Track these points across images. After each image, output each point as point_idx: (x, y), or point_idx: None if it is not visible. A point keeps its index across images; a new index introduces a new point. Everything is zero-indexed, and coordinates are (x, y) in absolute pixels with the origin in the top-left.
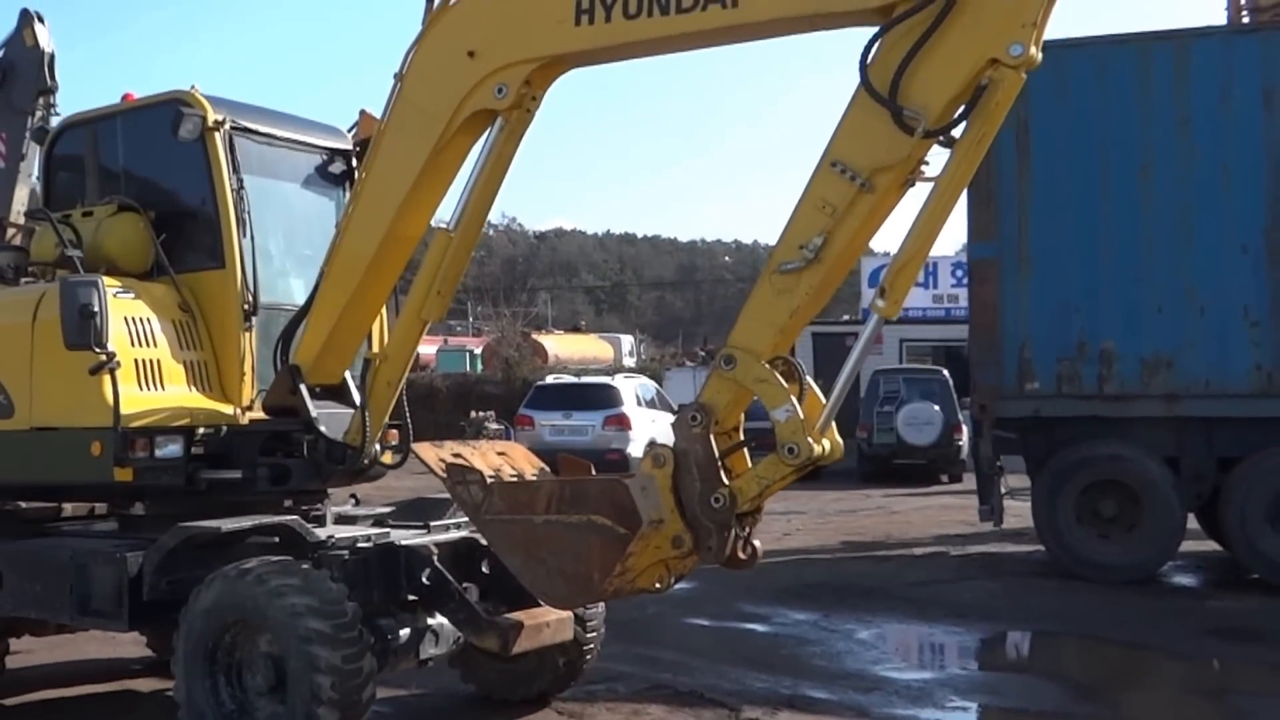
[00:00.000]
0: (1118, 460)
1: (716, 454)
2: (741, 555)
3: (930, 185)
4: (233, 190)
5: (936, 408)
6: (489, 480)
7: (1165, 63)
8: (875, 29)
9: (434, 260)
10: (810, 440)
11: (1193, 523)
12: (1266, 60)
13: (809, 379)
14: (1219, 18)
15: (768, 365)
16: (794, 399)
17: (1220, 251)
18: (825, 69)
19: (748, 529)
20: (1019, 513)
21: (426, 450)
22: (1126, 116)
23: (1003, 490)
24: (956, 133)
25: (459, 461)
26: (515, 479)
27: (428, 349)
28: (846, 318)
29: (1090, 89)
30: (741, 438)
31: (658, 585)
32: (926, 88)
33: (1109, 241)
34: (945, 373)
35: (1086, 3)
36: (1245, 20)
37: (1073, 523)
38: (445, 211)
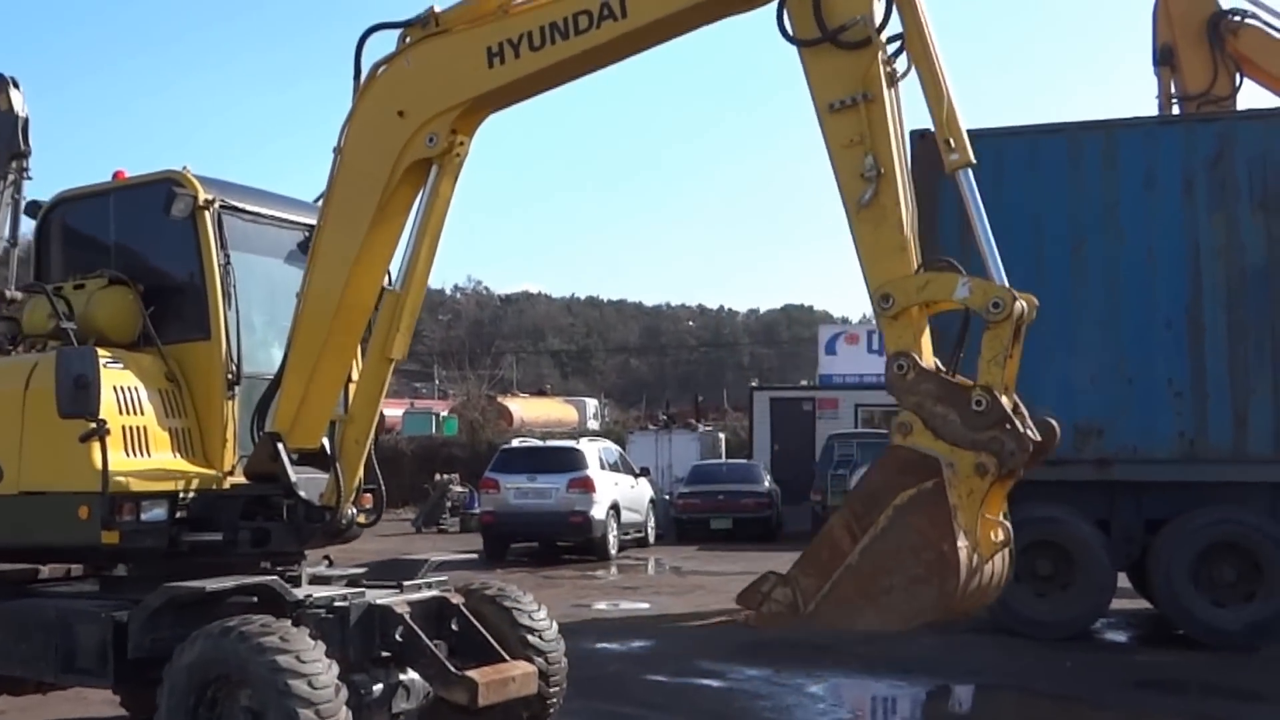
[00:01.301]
0: (1053, 522)
1: (940, 379)
2: (1040, 436)
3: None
4: (220, 265)
5: None
6: (778, 574)
7: (1095, 151)
8: (755, 9)
9: (386, 315)
10: (1005, 288)
11: (1124, 581)
12: (1187, 150)
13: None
14: (1151, 106)
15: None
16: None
17: (1147, 327)
18: (780, 146)
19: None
20: None
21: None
22: (1059, 200)
23: None
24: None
25: (747, 589)
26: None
27: (394, 412)
28: (805, 383)
29: (1026, 174)
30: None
31: (1000, 538)
32: (844, 4)
33: (1045, 315)
34: None
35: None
36: (1175, 110)
37: (1011, 581)
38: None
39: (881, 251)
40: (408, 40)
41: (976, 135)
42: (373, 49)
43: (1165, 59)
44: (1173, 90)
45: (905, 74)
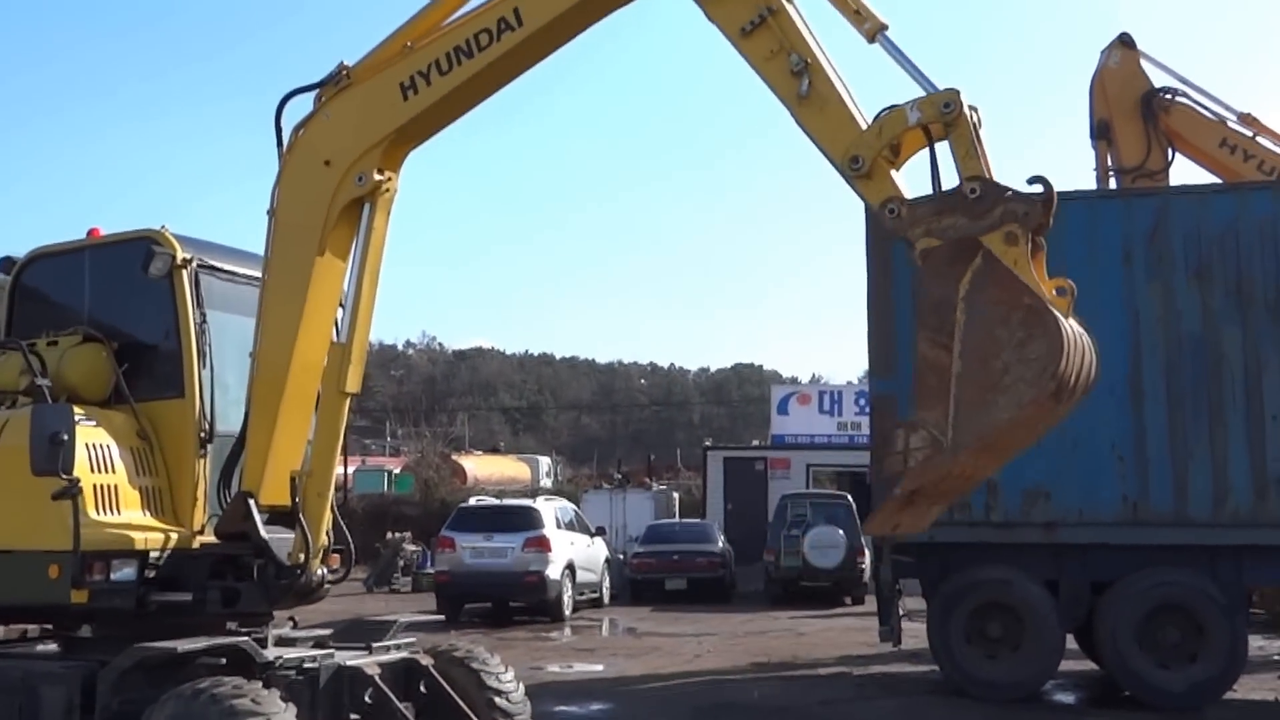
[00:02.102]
0: (1003, 584)
1: (929, 196)
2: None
3: None
4: (196, 325)
5: (841, 532)
6: (903, 424)
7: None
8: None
9: (334, 363)
10: (947, 89)
11: (1073, 643)
12: (1126, 222)
13: None
14: (1088, 178)
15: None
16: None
17: (1091, 393)
18: (729, 205)
19: None
20: (916, 634)
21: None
22: None
23: (901, 612)
24: None
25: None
26: None
27: (345, 469)
28: (756, 443)
29: None
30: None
31: (1064, 296)
32: None
33: None
34: (849, 498)
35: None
36: (1111, 182)
37: (963, 643)
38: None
39: (833, 127)
40: (323, 98)
41: None
42: (292, 114)
43: (1102, 133)
44: (1109, 163)
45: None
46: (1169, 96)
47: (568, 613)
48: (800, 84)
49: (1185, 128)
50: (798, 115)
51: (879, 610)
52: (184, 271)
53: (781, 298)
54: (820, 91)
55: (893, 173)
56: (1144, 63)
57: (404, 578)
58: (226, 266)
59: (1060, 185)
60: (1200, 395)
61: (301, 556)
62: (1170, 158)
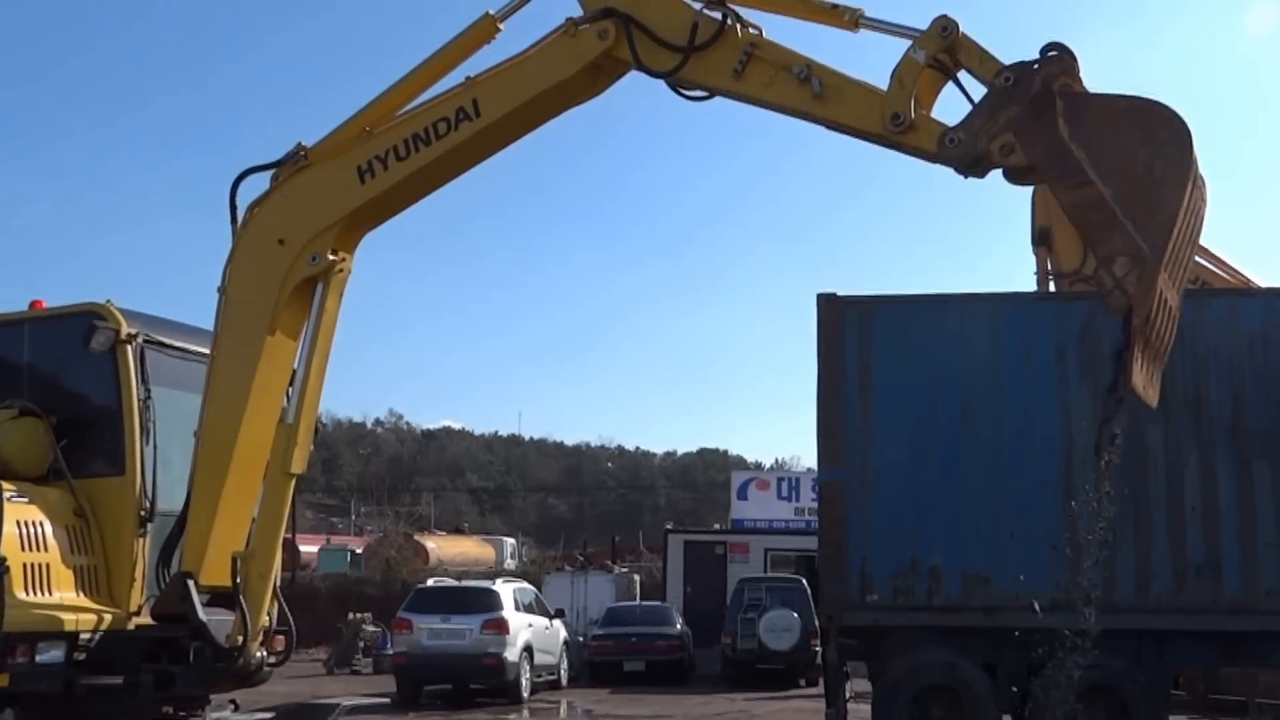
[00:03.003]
0: (944, 667)
1: (975, 107)
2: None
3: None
4: (140, 401)
5: (795, 615)
6: (1101, 272)
7: (981, 321)
8: (597, 96)
9: (280, 443)
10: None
11: None
12: (1060, 324)
13: None
14: (1031, 283)
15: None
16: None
17: (1026, 484)
18: (699, 293)
19: None
20: (863, 715)
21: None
22: (951, 365)
23: (848, 694)
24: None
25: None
26: None
27: (309, 548)
28: (717, 526)
29: (922, 339)
30: None
31: None
32: (674, 24)
33: (937, 471)
34: (804, 581)
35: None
36: (1051, 286)
37: None
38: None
39: (860, 104)
40: (280, 178)
41: (884, 301)
42: (246, 192)
43: (1043, 240)
44: (1049, 267)
45: (760, 32)
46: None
47: (526, 694)
48: (811, 86)
49: None
50: (820, 113)
51: (826, 692)
52: (128, 346)
53: (747, 383)
54: (832, 83)
55: (930, 116)
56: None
57: (365, 659)
58: (174, 342)
59: (1003, 288)
60: (1126, 488)
61: (240, 639)
62: None
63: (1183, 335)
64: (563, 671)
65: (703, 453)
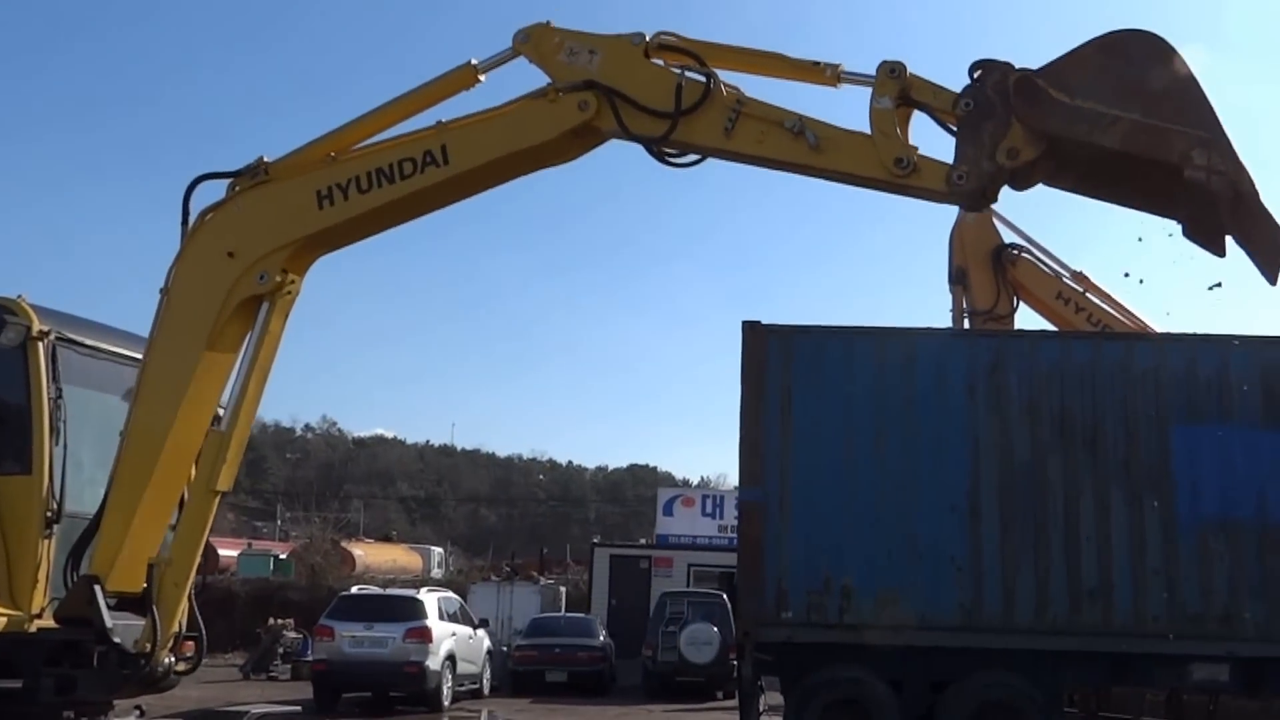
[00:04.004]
0: (854, 682)
1: (962, 144)
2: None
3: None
4: (50, 399)
5: (715, 629)
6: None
7: (896, 353)
8: (569, 162)
9: (210, 453)
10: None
11: None
12: (970, 359)
13: None
14: (947, 319)
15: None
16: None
17: (935, 509)
18: (629, 311)
19: None
20: None
21: None
22: (866, 394)
23: (761, 708)
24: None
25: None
26: None
27: (229, 552)
28: (643, 541)
29: (839, 368)
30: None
31: None
32: (658, 92)
33: (852, 495)
34: (725, 596)
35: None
36: (965, 323)
37: None
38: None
39: (859, 153)
40: (237, 188)
41: (805, 331)
42: (200, 198)
43: (959, 279)
44: (964, 305)
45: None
46: (1015, 251)
47: (447, 703)
48: (806, 140)
49: (1028, 280)
50: (820, 165)
51: (740, 706)
52: (40, 344)
53: (679, 402)
54: (826, 134)
55: (927, 160)
56: (996, 220)
57: (284, 665)
58: (89, 341)
59: (918, 323)
60: (1028, 516)
61: (148, 646)
62: (1015, 305)
63: (1082, 376)
64: (485, 681)
65: (633, 468)
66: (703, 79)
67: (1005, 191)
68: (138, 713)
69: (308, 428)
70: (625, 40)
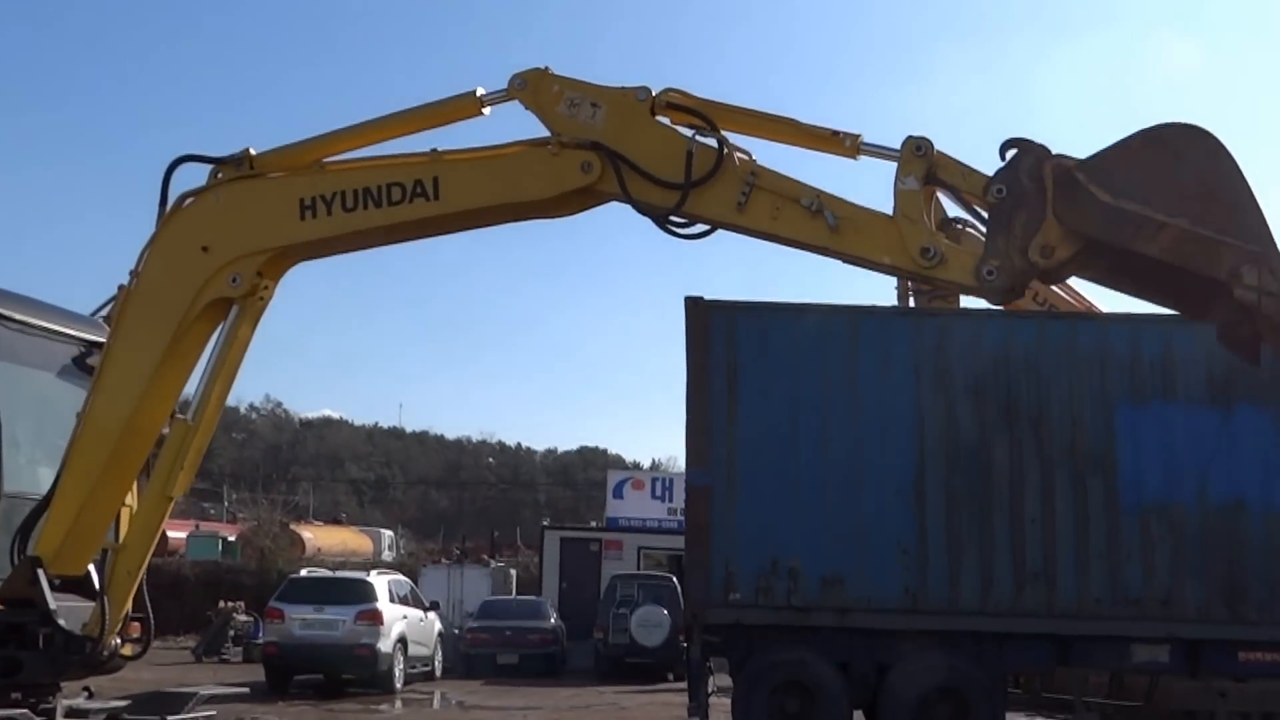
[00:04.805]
0: (800, 664)
1: (989, 230)
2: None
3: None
4: None
5: (665, 611)
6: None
7: (840, 332)
8: (560, 218)
9: (173, 446)
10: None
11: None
12: (915, 339)
13: None
14: (891, 297)
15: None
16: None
17: (881, 493)
18: (585, 294)
19: None
20: (724, 709)
21: None
22: (812, 374)
23: (710, 689)
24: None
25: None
26: None
27: (177, 534)
28: (594, 524)
29: (785, 347)
30: None
31: None
32: (665, 157)
33: (799, 478)
34: (675, 579)
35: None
36: (911, 302)
37: (764, 718)
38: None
39: (882, 239)
40: (219, 176)
41: (749, 307)
42: (180, 181)
43: None
44: (909, 284)
45: (751, 157)
46: (960, 226)
47: (399, 685)
48: (825, 220)
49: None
50: (838, 248)
51: (689, 687)
52: None
53: (628, 383)
54: (846, 214)
55: (954, 247)
56: (940, 194)
57: (235, 648)
58: (19, 316)
59: (863, 301)
60: (973, 498)
61: (97, 631)
62: None
63: (1027, 357)
64: (437, 663)
65: (583, 451)
66: (714, 144)
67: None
68: (86, 694)
69: (253, 408)
70: (630, 95)
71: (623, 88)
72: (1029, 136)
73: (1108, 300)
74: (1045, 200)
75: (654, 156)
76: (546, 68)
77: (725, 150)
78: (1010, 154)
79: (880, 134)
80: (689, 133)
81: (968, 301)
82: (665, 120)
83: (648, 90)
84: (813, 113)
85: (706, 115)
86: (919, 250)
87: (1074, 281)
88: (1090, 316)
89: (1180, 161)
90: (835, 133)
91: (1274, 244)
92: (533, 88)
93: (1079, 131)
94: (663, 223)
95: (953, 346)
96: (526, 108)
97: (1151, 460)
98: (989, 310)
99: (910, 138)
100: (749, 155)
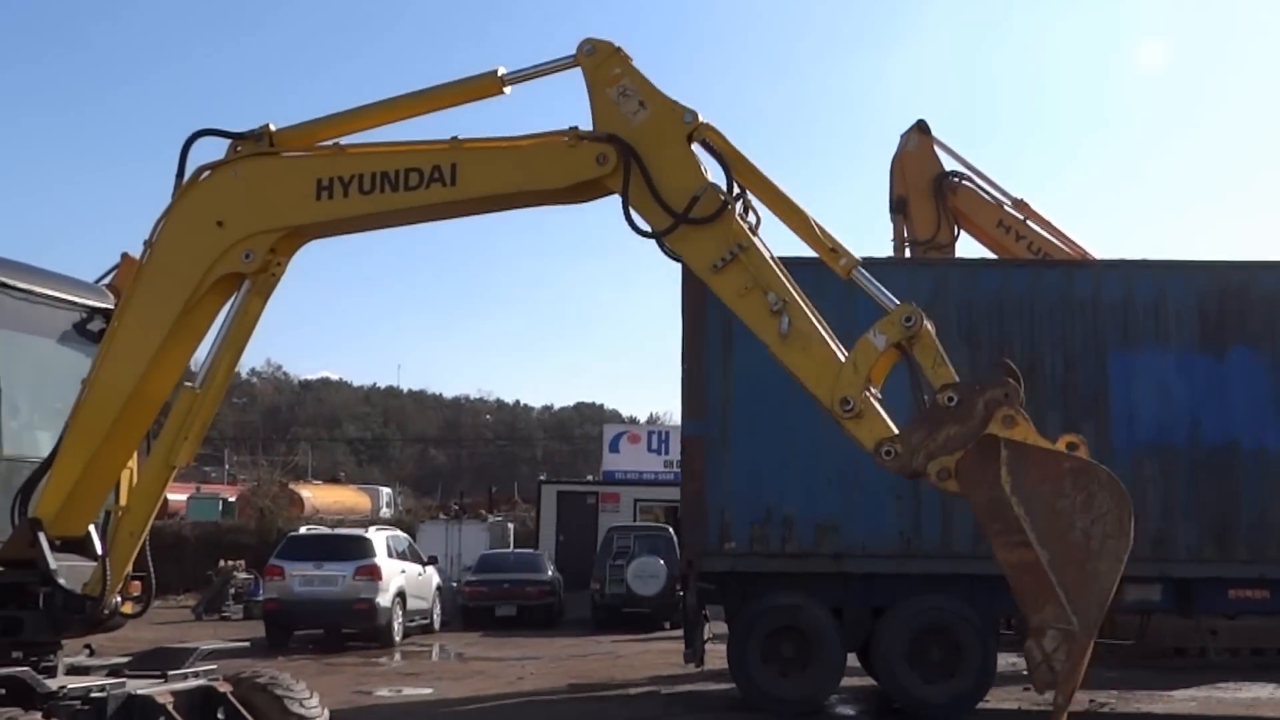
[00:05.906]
0: (795, 609)
1: (916, 419)
2: (1007, 372)
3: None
4: None
5: (661, 562)
6: (1031, 644)
7: (836, 282)
8: (580, 204)
9: (180, 414)
10: (902, 304)
11: (855, 662)
12: (909, 289)
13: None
14: (888, 248)
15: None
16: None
17: None
18: (579, 250)
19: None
20: (719, 655)
21: None
22: None
23: (706, 636)
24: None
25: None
26: None
27: (178, 496)
28: (590, 478)
29: None
30: None
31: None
32: (678, 183)
33: (792, 426)
34: (670, 530)
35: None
36: (906, 252)
37: (759, 663)
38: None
39: (818, 367)
40: (238, 150)
41: None
42: (198, 154)
43: (899, 208)
44: (905, 235)
45: (759, 222)
46: (956, 179)
47: (398, 639)
48: (780, 323)
49: (969, 208)
50: (779, 353)
51: (685, 634)
52: None
53: (625, 338)
54: (801, 330)
55: (880, 409)
56: (937, 148)
57: (236, 605)
58: (21, 284)
59: (861, 253)
60: None
61: (97, 590)
62: (956, 234)
63: (1021, 304)
64: (435, 616)
65: (580, 407)
66: (721, 198)
67: (938, 119)
68: (87, 651)
69: (253, 371)
70: (679, 112)
71: (675, 102)
72: (1024, 122)
73: (1102, 248)
74: (980, 432)
75: (667, 175)
76: (620, 48)
77: (729, 209)
78: (993, 379)
79: (866, 98)
80: (710, 174)
81: (962, 251)
82: (696, 149)
83: (695, 114)
84: (796, 72)
85: (730, 166)
86: (841, 398)
87: (1066, 228)
88: (1084, 263)
89: (1085, 505)
90: (834, 249)
91: (1092, 635)
92: (599, 59)
93: (1078, 94)
94: (659, 243)
95: (948, 295)
96: (584, 76)
97: (1144, 403)
98: (984, 259)
99: (905, 304)
100: (759, 220)
